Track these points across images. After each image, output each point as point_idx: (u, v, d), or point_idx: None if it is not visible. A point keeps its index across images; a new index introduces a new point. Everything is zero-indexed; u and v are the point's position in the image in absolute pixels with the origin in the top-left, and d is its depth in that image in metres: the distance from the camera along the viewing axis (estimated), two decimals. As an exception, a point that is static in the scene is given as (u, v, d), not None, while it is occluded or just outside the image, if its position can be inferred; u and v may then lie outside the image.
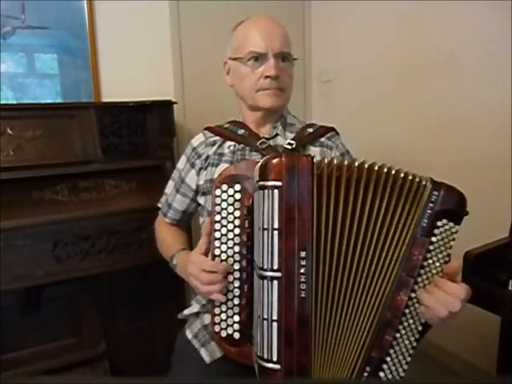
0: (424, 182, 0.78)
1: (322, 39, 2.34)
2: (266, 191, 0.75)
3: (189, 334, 0.99)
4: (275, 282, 0.74)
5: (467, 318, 1.59)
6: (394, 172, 0.78)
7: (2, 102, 1.67)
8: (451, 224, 0.77)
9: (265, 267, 0.75)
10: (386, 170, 0.77)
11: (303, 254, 0.74)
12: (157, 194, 1.14)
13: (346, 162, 0.77)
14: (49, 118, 1.48)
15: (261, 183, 0.76)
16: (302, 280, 0.74)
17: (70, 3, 1.77)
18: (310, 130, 1.03)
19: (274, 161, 0.76)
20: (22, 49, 1.75)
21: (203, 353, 0.94)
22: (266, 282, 0.75)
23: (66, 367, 1.47)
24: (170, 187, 1.11)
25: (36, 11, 1.71)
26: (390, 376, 0.78)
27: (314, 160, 0.76)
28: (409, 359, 0.78)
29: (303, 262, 0.74)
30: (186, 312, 1.03)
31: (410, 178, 0.78)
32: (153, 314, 1.64)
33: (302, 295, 0.74)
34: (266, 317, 0.75)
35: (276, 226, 0.74)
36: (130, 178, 1.54)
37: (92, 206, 1.41)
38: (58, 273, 1.31)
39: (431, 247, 0.77)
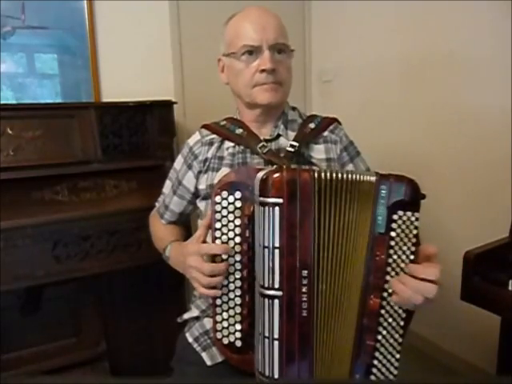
0: (368, 178, 0.75)
1: (322, 39, 2.34)
2: (266, 208, 0.72)
3: (189, 338, 0.97)
4: (276, 301, 0.72)
5: (467, 318, 1.60)
6: (339, 176, 0.74)
7: (2, 102, 1.67)
8: (409, 214, 0.74)
9: (266, 285, 0.73)
10: (334, 176, 0.74)
11: (305, 272, 0.73)
12: (157, 194, 1.14)
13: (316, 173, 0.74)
14: (49, 118, 1.48)
15: (261, 199, 0.73)
16: (304, 299, 0.73)
17: (70, 3, 1.77)
18: (312, 125, 0.98)
19: (275, 175, 0.72)
20: (22, 49, 1.75)
21: (204, 356, 0.92)
22: (266, 300, 0.73)
23: (66, 367, 1.47)
24: (167, 187, 1.08)
25: (36, 11, 1.71)
26: (382, 377, 0.78)
27: (315, 175, 0.73)
28: (398, 356, 0.78)
29: (305, 282, 0.73)
30: (186, 316, 1.02)
31: (351, 178, 0.74)
32: (153, 314, 1.63)
33: (304, 314, 0.73)
34: (267, 335, 0.73)
35: (277, 244, 0.72)
36: (130, 178, 1.54)
37: (92, 206, 1.41)
38: (58, 273, 1.31)
39: (392, 243, 0.75)
